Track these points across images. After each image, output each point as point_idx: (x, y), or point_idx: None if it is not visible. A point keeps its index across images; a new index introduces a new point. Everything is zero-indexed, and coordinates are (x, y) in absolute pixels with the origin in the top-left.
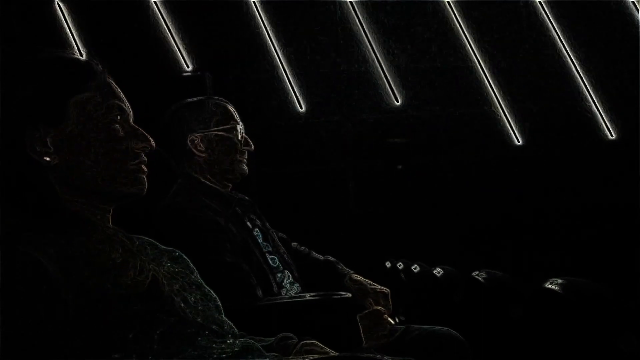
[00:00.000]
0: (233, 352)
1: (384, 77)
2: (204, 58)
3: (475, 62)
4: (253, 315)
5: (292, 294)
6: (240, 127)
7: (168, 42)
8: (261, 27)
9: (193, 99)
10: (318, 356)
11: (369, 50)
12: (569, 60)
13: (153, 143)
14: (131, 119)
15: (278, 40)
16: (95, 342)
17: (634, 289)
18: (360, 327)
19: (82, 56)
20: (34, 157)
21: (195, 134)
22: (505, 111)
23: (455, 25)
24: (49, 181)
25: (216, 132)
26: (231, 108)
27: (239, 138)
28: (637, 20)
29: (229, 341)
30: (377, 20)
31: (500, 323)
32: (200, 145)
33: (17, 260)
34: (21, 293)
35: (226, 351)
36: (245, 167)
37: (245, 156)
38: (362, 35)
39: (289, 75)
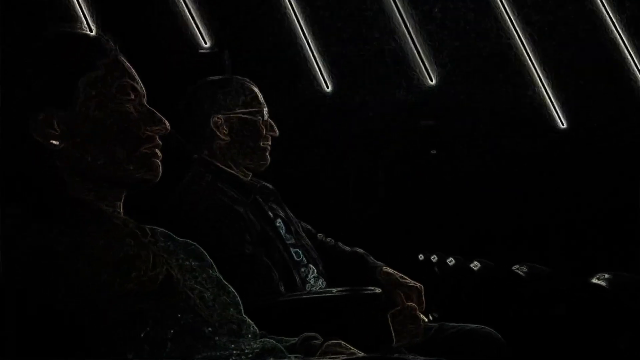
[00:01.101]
0: (253, 353)
1: (416, 54)
2: (222, 34)
3: (516, 38)
4: (275, 313)
5: (317, 290)
6: (265, 111)
7: (184, 17)
8: (284, 0)
9: (216, 78)
10: (345, 357)
11: (400, 25)
12: (619, 37)
13: (168, 126)
14: (144, 100)
15: (302, 14)
16: (105, 340)
17: None
18: (390, 325)
19: (91, 32)
20: (39, 140)
21: (219, 115)
22: (549, 92)
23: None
24: (55, 167)
25: (241, 115)
26: (256, 89)
27: (264, 122)
28: None
29: (248, 341)
30: None
31: (542, 321)
32: (224, 128)
33: (28, 252)
34: (36, 286)
35: (245, 352)
36: (267, 154)
37: (269, 142)
38: (393, 9)
39: (314, 52)
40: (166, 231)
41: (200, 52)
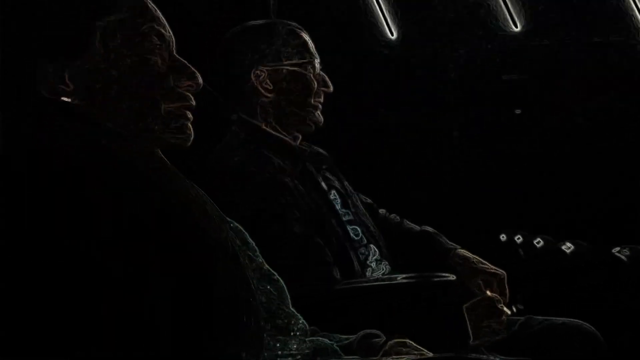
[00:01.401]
0: (302, 354)
1: None
2: None
3: None
4: (328, 305)
5: (379, 275)
6: (317, 62)
7: None
8: None
9: (258, 22)
10: (411, 358)
11: None
12: None
13: (200, 80)
14: (174, 50)
15: None
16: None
17: None
18: (467, 319)
19: None
20: (48, 97)
21: (261, 68)
22: None
23: None
24: (66, 129)
25: (288, 67)
26: (306, 36)
27: (315, 76)
28: None
29: (297, 340)
30: None
31: None
32: (267, 83)
33: None
34: None
35: (293, 353)
36: (319, 113)
37: (322, 99)
38: None
39: None
40: None
41: None
